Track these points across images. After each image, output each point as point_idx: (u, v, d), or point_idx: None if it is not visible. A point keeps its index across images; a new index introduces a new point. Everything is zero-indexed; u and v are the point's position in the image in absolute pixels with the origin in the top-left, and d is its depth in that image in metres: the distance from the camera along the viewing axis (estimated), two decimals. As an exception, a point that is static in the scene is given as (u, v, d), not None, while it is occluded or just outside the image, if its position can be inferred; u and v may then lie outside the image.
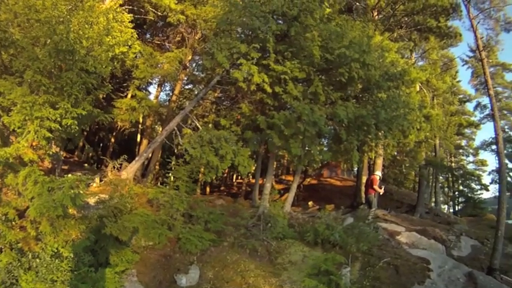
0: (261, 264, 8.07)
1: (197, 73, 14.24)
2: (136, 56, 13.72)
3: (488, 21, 17.19)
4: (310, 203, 17.64)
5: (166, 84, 18.59)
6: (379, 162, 16.34)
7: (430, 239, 13.47)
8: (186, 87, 17.85)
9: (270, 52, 9.88)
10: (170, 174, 9.57)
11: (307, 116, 8.88)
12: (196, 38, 15.69)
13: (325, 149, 11.64)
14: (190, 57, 15.92)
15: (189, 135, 10.56)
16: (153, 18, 15.18)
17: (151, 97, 19.30)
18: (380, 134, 11.01)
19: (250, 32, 10.68)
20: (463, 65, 31.97)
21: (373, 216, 13.85)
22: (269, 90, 9.52)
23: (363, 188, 16.65)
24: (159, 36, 18.20)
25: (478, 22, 16.21)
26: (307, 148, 9.95)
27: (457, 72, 31.56)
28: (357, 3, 19.28)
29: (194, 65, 16.70)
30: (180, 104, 17.56)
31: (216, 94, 15.21)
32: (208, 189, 21.29)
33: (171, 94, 17.76)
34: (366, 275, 8.15)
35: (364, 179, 17.06)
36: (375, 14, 19.71)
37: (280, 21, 10.95)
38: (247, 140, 10.81)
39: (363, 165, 16.60)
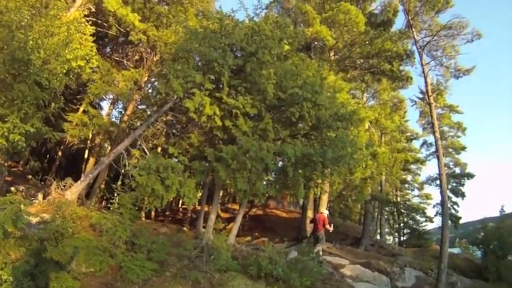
0: None
1: (151, 96, 14.06)
2: (93, 71, 13.32)
3: (439, 68, 18.39)
4: (250, 237, 17.63)
5: (119, 102, 18.22)
6: (325, 197, 16.74)
7: (374, 271, 13.89)
8: (140, 107, 17.60)
9: (224, 85, 9.97)
10: (115, 200, 9.43)
11: (254, 152, 9.00)
12: (155, 59, 15.62)
13: (271, 184, 11.67)
14: (146, 79, 15.79)
15: (136, 161, 10.44)
16: (115, 34, 14.92)
17: (103, 113, 18.94)
18: (326, 171, 11.19)
19: (207, 63, 10.75)
20: (412, 106, 33.87)
21: (318, 251, 14.03)
22: (219, 123, 9.63)
23: (308, 223, 17.05)
24: (118, 53, 17.90)
25: (430, 69, 17.32)
26: (253, 183, 9.93)
27: (405, 112, 33.35)
28: (316, 43, 19.90)
29: (150, 86, 16.56)
30: (131, 124, 17.25)
31: (167, 117, 15.10)
32: (153, 213, 20.82)
33: (123, 113, 17.41)
34: None
35: (309, 213, 17.45)
36: (332, 54, 20.46)
37: (238, 55, 11.09)
38: (194, 170, 10.74)
39: (309, 199, 16.85)
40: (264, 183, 11.30)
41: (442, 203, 14.90)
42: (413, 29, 17.28)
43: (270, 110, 10.65)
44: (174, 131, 15.05)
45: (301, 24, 20.30)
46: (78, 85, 14.40)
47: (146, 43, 14.68)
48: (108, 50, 18.64)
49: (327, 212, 15.32)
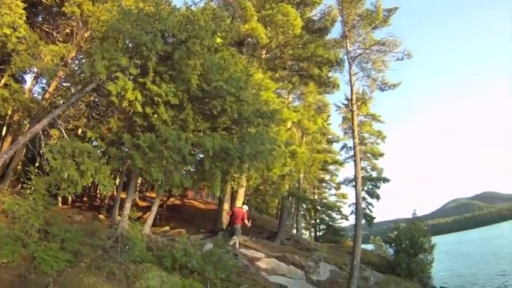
0: None
1: (76, 74, 13.38)
2: (19, 41, 12.41)
3: (366, 79, 19.39)
4: (168, 227, 17.62)
5: (42, 77, 17.17)
6: (242, 191, 17.10)
7: (289, 265, 14.45)
8: (64, 84, 16.74)
9: (149, 71, 9.77)
10: (29, 184, 8.66)
11: (172, 141, 8.97)
12: (86, 35, 14.95)
13: (188, 175, 11.56)
14: (73, 55, 15.06)
15: (52, 144, 9.96)
16: (49, 2, 14.12)
17: (25, 86, 17.66)
18: (244, 166, 11.34)
19: (136, 46, 10.48)
20: (336, 110, 35.57)
21: (235, 244, 14.45)
22: (140, 109, 9.44)
23: (226, 215, 17.38)
24: (49, 23, 16.86)
25: (357, 79, 18.26)
26: (169, 173, 9.82)
27: (329, 116, 34.88)
28: (249, 39, 20.11)
29: (77, 63, 15.82)
30: (53, 102, 16.39)
31: (90, 99, 14.51)
32: (70, 199, 19.99)
33: (46, 89, 16.47)
34: None
35: (226, 205, 17.74)
36: (264, 52, 20.80)
37: (169, 41, 10.92)
38: (111, 156, 10.44)
39: (226, 193, 17.09)
40: (183, 173, 11.27)
41: (356, 204, 15.92)
42: (348, 40, 18.04)
43: (192, 101, 10.55)
44: (95, 113, 14.57)
45: (239, 20, 20.27)
46: (1, 54, 13.45)
47: (79, 17, 13.99)
48: (39, 19, 17.37)
49: (247, 208, 15.78)
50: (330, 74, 22.61)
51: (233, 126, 11.80)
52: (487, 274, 25.29)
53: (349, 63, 17.93)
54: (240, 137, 11.23)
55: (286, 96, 24.35)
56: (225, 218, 17.49)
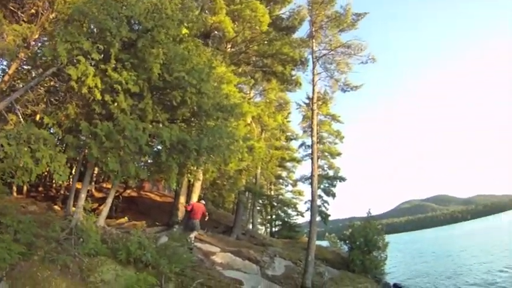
0: (73, 282, 7.44)
1: (37, 57, 12.82)
2: None
3: (329, 80, 19.82)
4: (125, 218, 17.40)
5: (3, 59, 16.41)
6: (198, 185, 17.08)
7: (244, 259, 14.54)
8: (25, 67, 16.08)
9: (111, 57, 9.52)
10: None
11: (130, 131, 8.83)
12: (51, 17, 14.45)
13: (144, 167, 11.41)
14: (37, 36, 14.55)
15: (8, 129, 9.55)
16: None
17: None
18: (201, 159, 11.29)
19: (100, 31, 10.10)
20: (297, 109, 36.15)
21: (191, 238, 14.51)
22: (99, 96, 9.16)
23: (182, 208, 17.36)
24: (15, 2, 16.16)
25: (320, 79, 18.64)
26: (125, 164, 9.60)
27: (289, 113, 35.34)
28: (216, 32, 20.05)
29: (39, 45, 15.24)
30: (13, 85, 15.73)
31: (51, 83, 14.04)
32: (25, 188, 19.30)
33: (6, 71, 15.75)
34: None
35: (182, 199, 17.63)
36: (229, 46, 20.78)
37: (134, 28, 10.61)
38: (67, 144, 10.13)
39: (182, 186, 16.99)
40: (140, 164, 11.06)
41: (312, 201, 16.24)
42: (314, 40, 18.36)
43: (152, 91, 10.42)
44: (55, 99, 14.09)
45: (207, 11, 20.06)
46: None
47: (46, -4, 13.44)
48: (7, -4, 16.62)
49: (204, 202, 15.91)
50: (293, 73, 22.93)
51: (192, 119, 11.67)
52: (438, 272, 26.59)
53: (313, 62, 18.34)
54: (198, 130, 11.17)
55: (248, 92, 24.43)
56: (181, 212, 17.42)
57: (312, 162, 16.90)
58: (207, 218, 15.59)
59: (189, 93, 10.20)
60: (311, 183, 16.64)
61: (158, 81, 10.05)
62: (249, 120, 20.86)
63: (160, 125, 10.10)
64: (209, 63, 11.96)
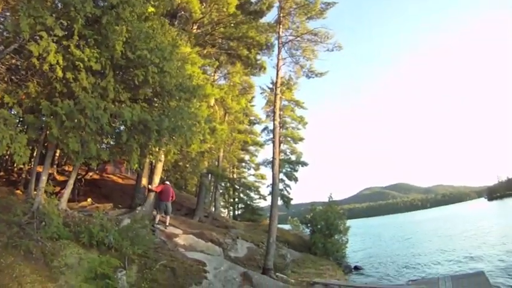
0: (36, 267, 7.23)
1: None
2: None
3: (294, 66, 19.95)
4: (87, 201, 17.08)
5: None
6: (160, 166, 16.93)
7: (207, 241, 14.64)
8: None
9: (75, 33, 9.17)
10: None
11: (91, 110, 8.62)
12: None
13: (106, 148, 11.20)
14: (0, 11, 13.82)
15: None
16: None
17: None
18: (162, 140, 11.21)
19: (64, 6, 9.69)
20: (261, 93, 36.34)
21: (167, 222, 15.16)
22: (60, 74, 8.82)
23: (144, 190, 17.26)
24: None
25: (284, 64, 18.73)
26: (86, 144, 9.36)
27: (253, 97, 35.57)
28: (183, 12, 19.61)
29: (2, 20, 14.45)
30: None
31: (12, 61, 13.40)
32: None
33: None
34: (143, 278, 8.26)
35: (144, 180, 17.50)
36: (195, 27, 20.48)
37: (99, 4, 10.24)
38: (28, 124, 9.78)
39: (144, 167, 16.85)
40: (103, 146, 10.92)
41: (273, 184, 16.44)
42: (281, 26, 18.38)
43: (115, 69, 10.11)
44: (16, 77, 13.50)
45: (175, -10, 19.76)
46: None
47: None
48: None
49: (169, 183, 16.20)
50: (258, 57, 22.97)
51: (154, 99, 11.51)
52: (396, 254, 28.04)
53: (278, 48, 18.40)
54: (160, 110, 10.99)
55: (212, 74, 24.24)
56: (143, 193, 17.27)
57: (274, 146, 17.10)
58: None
59: (151, 72, 10.02)
60: (272, 167, 16.86)
61: (121, 60, 9.82)
62: (212, 102, 20.85)
63: (122, 105, 9.84)
64: (173, 43, 11.80)
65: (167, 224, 15.22)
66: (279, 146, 39.15)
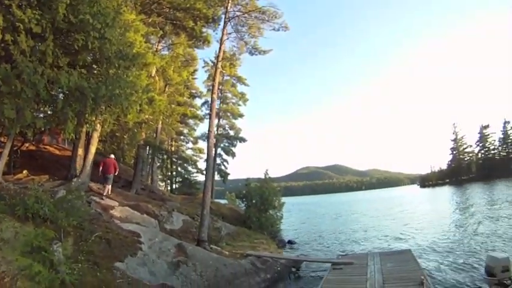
0: None
1: None
2: None
3: (238, 41, 19.86)
4: (23, 173, 16.20)
5: None
6: (96, 136, 16.44)
7: (143, 213, 14.61)
8: None
9: None
10: None
11: (28, 75, 8.16)
12: None
13: (42, 116, 10.68)
14: None
15: None
16: None
17: None
18: (99, 109, 10.85)
19: None
20: (203, 67, 36.11)
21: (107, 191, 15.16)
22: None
23: (80, 161, 16.81)
24: None
25: (228, 38, 18.62)
26: (21, 111, 8.83)
27: (196, 70, 35.14)
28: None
29: None
30: None
31: None
32: None
33: None
34: (79, 250, 8.06)
35: (80, 151, 16.92)
36: (142, -5, 19.69)
37: None
38: None
39: (80, 137, 16.30)
40: (38, 113, 10.45)
41: (208, 156, 16.54)
42: (230, 0, 18.17)
43: (55, 33, 9.49)
44: None
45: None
46: None
47: None
48: None
49: (113, 157, 16.26)
50: (204, 30, 22.56)
51: (94, 66, 11.03)
52: (327, 230, 29.65)
53: (225, 22, 18.26)
54: (98, 78, 10.59)
55: (156, 44, 23.56)
56: (79, 164, 16.71)
57: (210, 119, 17.11)
58: (117, 172, 15.95)
59: (92, 38, 9.61)
60: (208, 139, 16.91)
61: (62, 23, 9.29)
62: (153, 72, 20.48)
63: (60, 70, 9.33)
64: (117, 9, 11.29)
65: (104, 194, 15.13)
66: (218, 120, 39.53)
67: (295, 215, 50.03)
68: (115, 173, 15.85)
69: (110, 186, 15.76)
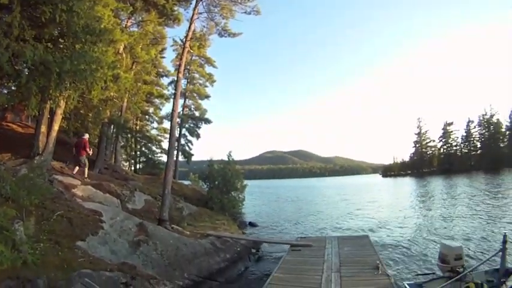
0: None
1: None
2: None
3: (209, 22, 19.60)
4: None
5: None
6: (59, 113, 15.97)
7: (105, 193, 14.47)
8: None
9: None
10: None
11: None
12: None
13: (4, 92, 10.46)
14: None
15: None
16: None
17: None
18: (63, 84, 10.44)
19: None
20: (171, 45, 35.45)
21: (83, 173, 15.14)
22: None
23: (42, 139, 16.36)
24: None
25: (198, 18, 18.31)
26: None
27: (164, 49, 34.49)
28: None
29: None
30: None
31: None
32: None
33: None
34: (41, 229, 7.90)
35: (43, 128, 16.42)
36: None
37: None
38: None
39: (43, 114, 15.82)
40: (5, 92, 10.24)
41: (170, 135, 16.43)
42: (204, -21, 17.83)
43: (23, 4, 9.03)
44: None
45: None
46: None
47: None
48: None
49: (88, 136, 16.11)
50: (175, 8, 22.20)
51: (60, 40, 10.63)
52: (291, 214, 30.33)
53: (196, 1, 17.90)
54: (64, 52, 10.22)
55: (125, 20, 22.92)
56: (42, 142, 16.23)
57: (175, 98, 16.95)
58: (90, 150, 15.84)
59: (60, 11, 9.24)
60: (171, 118, 16.77)
61: (30, -6, 8.85)
62: (121, 49, 20.09)
63: (26, 44, 8.96)
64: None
65: (85, 176, 15.27)
66: (184, 100, 39.17)
67: (257, 198, 50.55)
68: (87, 154, 15.62)
69: (86, 169, 15.69)
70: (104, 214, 10.77)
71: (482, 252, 12.38)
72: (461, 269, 7.11)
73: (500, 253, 4.80)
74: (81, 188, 13.73)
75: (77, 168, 15.43)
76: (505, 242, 4.70)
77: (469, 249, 12.93)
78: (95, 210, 10.89)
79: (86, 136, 15.98)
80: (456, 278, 6.43)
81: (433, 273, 8.18)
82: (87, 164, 15.71)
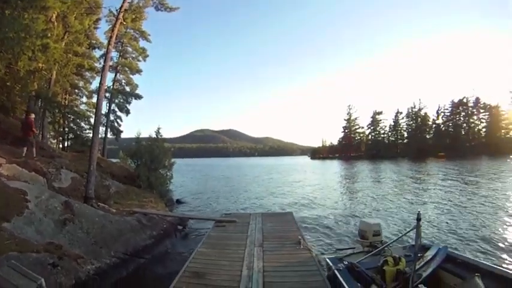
0: None
1: None
2: None
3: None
4: None
5: None
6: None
7: (31, 171, 13.77)
8: None
9: None
10: None
11: None
12: None
13: None
14: None
15: None
16: None
17: None
18: None
19: None
20: (105, 16, 33.69)
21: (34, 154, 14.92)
22: None
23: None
24: None
25: (132, -12, 17.54)
26: None
27: (99, 19, 32.77)
28: None
29: None
30: None
31: None
32: None
33: None
34: None
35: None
36: None
37: None
38: None
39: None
40: None
41: (96, 110, 15.76)
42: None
43: None
44: None
45: None
46: None
47: None
48: None
49: (34, 116, 15.75)
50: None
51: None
52: (218, 191, 31.47)
53: (130, -26, 17.21)
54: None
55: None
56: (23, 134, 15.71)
57: (103, 70, 16.13)
58: (37, 131, 15.93)
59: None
60: (98, 92, 15.99)
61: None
62: (53, 17, 18.78)
63: None
64: None
65: (34, 156, 15.17)
66: (115, 74, 37.64)
67: (186, 176, 51.72)
68: (34, 134, 15.31)
69: (34, 149, 15.62)
70: (28, 193, 10.39)
71: (400, 230, 13.35)
72: (380, 244, 7.69)
73: (415, 230, 5.21)
74: (6, 166, 13.05)
75: (25, 149, 15.10)
76: (419, 219, 5.08)
77: (388, 226, 14.02)
78: (20, 189, 10.45)
79: (32, 116, 15.47)
80: (375, 252, 6.94)
81: (353, 248, 8.74)
82: (34, 143, 15.40)
